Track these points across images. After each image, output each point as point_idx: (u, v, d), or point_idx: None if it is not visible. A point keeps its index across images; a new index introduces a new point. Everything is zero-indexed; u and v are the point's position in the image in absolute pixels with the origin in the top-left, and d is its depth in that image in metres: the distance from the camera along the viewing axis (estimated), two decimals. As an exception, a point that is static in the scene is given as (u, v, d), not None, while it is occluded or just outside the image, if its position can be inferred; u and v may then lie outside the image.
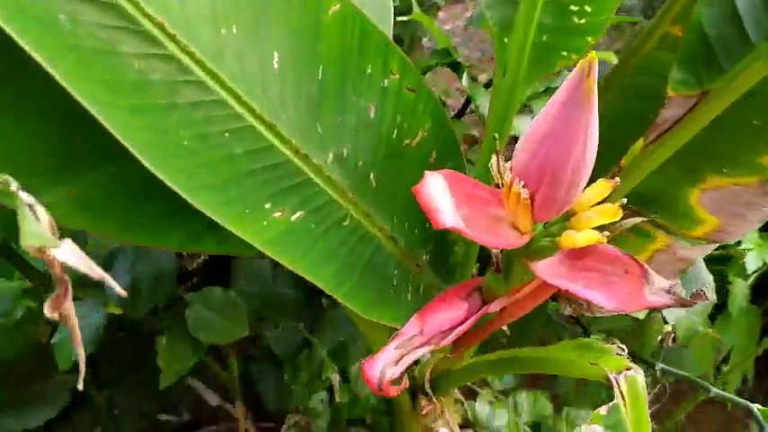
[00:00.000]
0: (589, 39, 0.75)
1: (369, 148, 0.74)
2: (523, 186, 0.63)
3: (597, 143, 0.61)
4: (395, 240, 0.78)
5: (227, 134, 0.59)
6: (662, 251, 0.85)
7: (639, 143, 0.82)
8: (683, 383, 1.81)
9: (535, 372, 0.76)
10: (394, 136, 0.76)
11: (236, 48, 0.61)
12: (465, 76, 1.13)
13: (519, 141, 0.63)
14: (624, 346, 0.63)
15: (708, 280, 0.98)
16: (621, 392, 0.56)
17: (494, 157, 0.73)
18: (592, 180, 0.65)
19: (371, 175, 0.74)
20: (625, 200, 0.65)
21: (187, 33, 0.55)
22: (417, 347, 0.68)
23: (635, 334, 1.22)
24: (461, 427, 1.51)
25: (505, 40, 0.80)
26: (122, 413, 1.42)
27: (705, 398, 0.96)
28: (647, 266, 0.65)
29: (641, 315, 1.03)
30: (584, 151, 0.59)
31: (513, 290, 0.78)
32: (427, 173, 0.63)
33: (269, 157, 0.63)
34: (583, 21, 0.75)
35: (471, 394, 1.55)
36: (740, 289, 1.38)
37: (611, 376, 0.57)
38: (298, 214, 0.65)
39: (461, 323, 0.74)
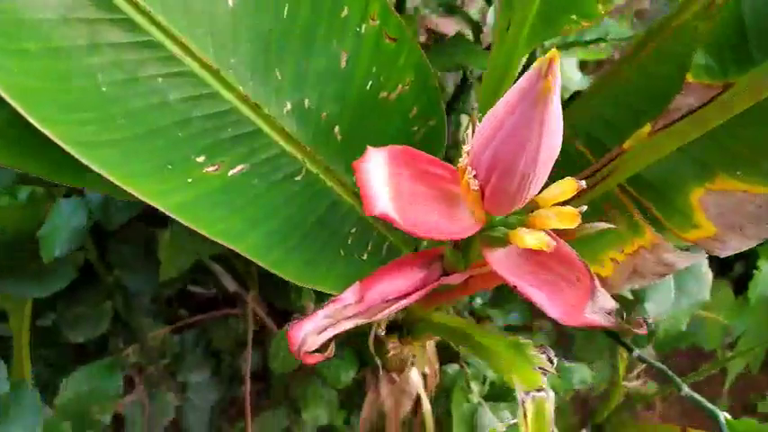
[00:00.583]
0: (600, 6, 0.65)
1: (336, 100, 0.68)
2: (474, 176, 0.58)
3: (558, 142, 0.54)
4: (358, 197, 0.75)
5: (160, 79, 0.56)
6: (647, 250, 0.78)
7: (647, 128, 0.73)
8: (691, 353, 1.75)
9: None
10: (368, 88, 0.70)
11: (183, -18, 0.56)
12: (492, 8, 1.02)
13: (478, 127, 0.57)
14: (554, 360, 0.59)
15: (707, 278, 0.91)
16: (525, 413, 0.53)
17: (468, 131, 0.67)
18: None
19: (336, 128, 0.70)
20: (585, 207, 0.58)
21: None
22: (348, 318, 0.66)
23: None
24: (449, 362, 1.53)
25: (512, -7, 0.71)
26: (134, 288, 1.50)
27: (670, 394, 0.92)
28: (597, 281, 0.60)
29: (629, 295, 0.97)
30: (537, 151, 0.52)
31: (473, 265, 0.74)
32: (370, 149, 0.58)
33: (210, 105, 0.60)
34: None
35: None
36: (765, 277, 1.29)
37: (520, 395, 0.54)
38: (239, 168, 0.62)
39: (408, 294, 0.72)
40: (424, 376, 1.42)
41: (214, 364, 1.99)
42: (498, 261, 0.66)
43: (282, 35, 0.63)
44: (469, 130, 0.68)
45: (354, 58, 0.68)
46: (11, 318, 1.34)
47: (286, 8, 0.62)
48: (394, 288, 0.71)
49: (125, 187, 0.50)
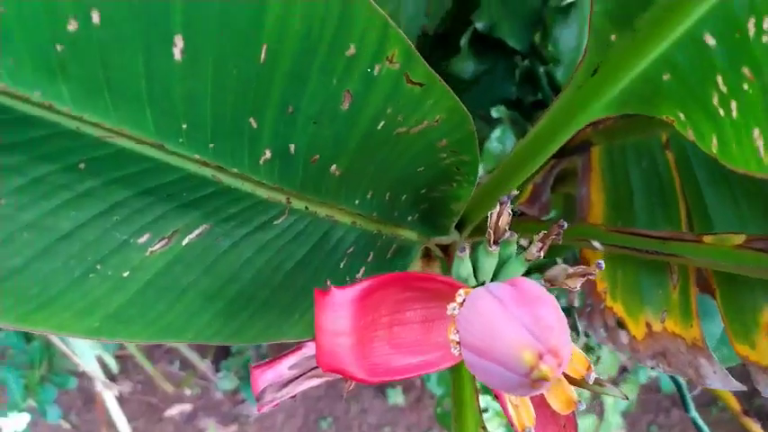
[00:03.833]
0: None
1: (334, 143, 0.53)
2: (458, 343, 0.46)
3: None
4: (361, 215, 0.64)
5: (82, 165, 0.44)
6: (686, 344, 0.65)
7: (738, 239, 0.55)
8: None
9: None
10: (379, 128, 0.53)
11: (99, 45, 0.39)
12: None
13: (468, 307, 0.43)
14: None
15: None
16: None
17: (494, 213, 0.52)
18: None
19: (333, 167, 0.56)
20: (583, 406, 0.47)
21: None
22: (310, 373, 0.61)
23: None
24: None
25: (612, 37, 0.46)
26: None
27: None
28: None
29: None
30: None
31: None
32: (334, 289, 0.46)
33: (154, 179, 0.47)
34: (728, 114, 0.40)
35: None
36: None
37: None
38: (198, 230, 0.52)
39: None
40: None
41: None
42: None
43: (259, 83, 0.46)
44: (492, 215, 0.53)
45: (361, 99, 0.50)
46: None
47: (263, 51, 0.44)
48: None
49: (34, 327, 0.43)
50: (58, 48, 0.38)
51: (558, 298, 1.05)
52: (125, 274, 0.48)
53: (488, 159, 1.31)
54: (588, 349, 1.58)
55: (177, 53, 0.42)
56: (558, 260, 1.19)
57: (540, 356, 0.34)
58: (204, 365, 1.77)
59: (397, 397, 2.33)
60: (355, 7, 0.43)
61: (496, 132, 1.29)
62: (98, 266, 0.47)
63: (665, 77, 0.45)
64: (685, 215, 0.68)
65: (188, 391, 1.90)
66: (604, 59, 0.48)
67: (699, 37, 0.41)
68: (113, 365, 1.50)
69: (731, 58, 0.39)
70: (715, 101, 0.41)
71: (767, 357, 0.60)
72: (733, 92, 0.39)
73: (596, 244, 0.69)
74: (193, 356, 1.74)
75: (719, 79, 0.40)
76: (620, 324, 0.72)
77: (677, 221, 0.69)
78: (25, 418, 2.09)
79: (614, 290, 0.74)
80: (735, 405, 1.17)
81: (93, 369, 1.40)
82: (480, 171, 1.36)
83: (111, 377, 1.66)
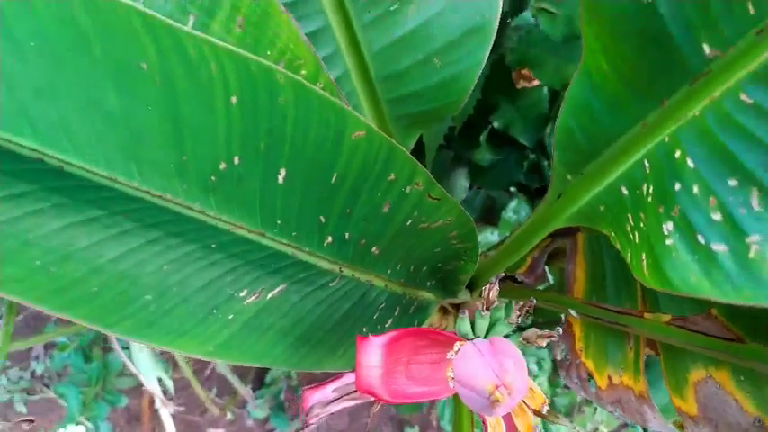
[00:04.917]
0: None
1: (376, 234, 0.76)
2: (453, 378, 0.68)
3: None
4: (392, 281, 0.86)
5: (213, 245, 0.67)
6: (634, 394, 0.85)
7: (666, 317, 0.75)
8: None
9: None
10: (408, 224, 0.76)
11: (237, 176, 0.63)
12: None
13: (462, 353, 0.65)
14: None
15: None
16: None
17: (486, 288, 0.74)
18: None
19: (374, 248, 0.78)
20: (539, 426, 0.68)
21: (163, 184, 0.60)
22: (353, 393, 0.83)
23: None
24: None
25: (569, 177, 0.69)
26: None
27: None
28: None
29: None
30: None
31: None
32: (371, 337, 0.68)
33: (256, 254, 0.71)
34: (634, 239, 0.62)
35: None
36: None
37: None
38: (278, 288, 0.75)
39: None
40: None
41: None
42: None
43: (329, 194, 0.70)
44: (486, 288, 0.75)
45: (397, 206, 0.73)
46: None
47: (334, 177, 0.68)
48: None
49: (175, 349, 0.67)
50: (213, 178, 0.62)
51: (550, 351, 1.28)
52: (230, 317, 0.72)
53: (505, 227, 1.53)
54: (587, 402, 1.75)
55: (281, 179, 0.66)
56: (562, 316, 1.39)
57: (496, 387, 0.55)
58: (244, 391, 1.99)
59: (415, 435, 2.50)
60: (396, 154, 0.66)
61: (512, 204, 1.51)
62: (214, 311, 0.70)
63: (601, 208, 0.67)
64: (641, 296, 0.88)
65: (228, 415, 2.11)
66: (564, 190, 0.71)
67: (618, 187, 0.63)
68: (170, 386, 1.73)
69: (634, 206, 0.61)
70: (628, 229, 0.62)
71: (694, 409, 0.79)
72: (635, 227, 0.61)
73: (573, 313, 0.90)
74: (236, 381, 1.96)
75: (629, 216, 0.62)
76: (590, 376, 0.93)
77: (635, 300, 0.89)
78: (81, 430, 2.33)
79: (587, 349, 0.94)
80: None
81: (153, 387, 1.63)
82: (496, 238, 1.58)
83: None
